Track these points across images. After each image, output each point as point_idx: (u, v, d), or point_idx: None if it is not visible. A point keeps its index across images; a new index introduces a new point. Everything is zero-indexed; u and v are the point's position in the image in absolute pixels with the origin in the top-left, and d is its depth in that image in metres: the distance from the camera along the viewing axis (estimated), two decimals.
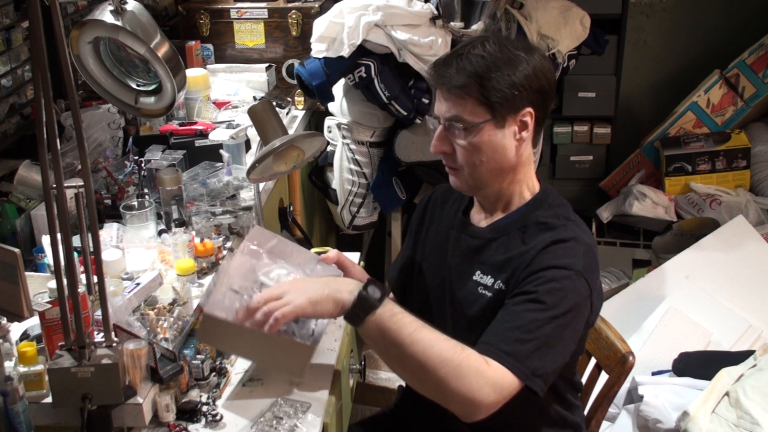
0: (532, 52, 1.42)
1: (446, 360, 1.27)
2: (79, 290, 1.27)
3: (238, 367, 1.53)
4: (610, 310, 1.60)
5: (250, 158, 2.31)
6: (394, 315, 1.29)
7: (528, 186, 1.49)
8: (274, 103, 2.16)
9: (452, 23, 2.59)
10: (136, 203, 1.95)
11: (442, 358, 1.27)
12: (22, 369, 1.36)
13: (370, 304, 1.29)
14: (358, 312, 1.30)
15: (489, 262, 1.46)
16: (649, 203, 3.37)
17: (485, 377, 1.27)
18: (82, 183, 1.26)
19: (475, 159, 1.41)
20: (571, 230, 1.41)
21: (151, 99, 1.85)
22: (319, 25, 2.49)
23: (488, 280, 1.45)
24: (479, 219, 1.54)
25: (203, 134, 2.35)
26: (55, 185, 1.22)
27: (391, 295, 1.31)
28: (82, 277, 1.41)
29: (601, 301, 1.48)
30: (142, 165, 2.14)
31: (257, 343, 1.40)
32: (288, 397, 1.42)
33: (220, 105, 2.68)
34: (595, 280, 1.41)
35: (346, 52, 2.43)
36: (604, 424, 2.29)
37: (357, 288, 1.31)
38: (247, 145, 2.38)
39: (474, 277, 1.47)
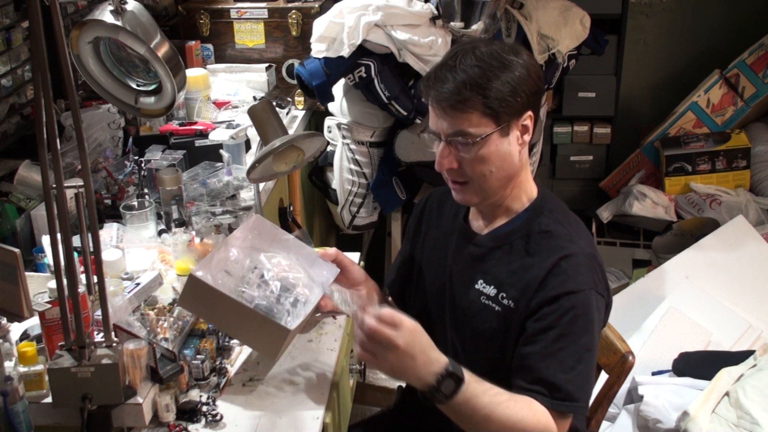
0: (520, 54, 1.39)
1: None
2: (79, 290, 1.27)
3: (238, 367, 1.53)
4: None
5: (250, 158, 2.31)
6: (467, 401, 1.28)
7: (526, 190, 1.48)
8: (274, 103, 2.16)
9: (452, 23, 2.58)
10: (136, 203, 1.96)
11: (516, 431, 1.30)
12: (22, 369, 1.36)
13: (440, 398, 1.27)
14: (429, 399, 1.29)
15: (492, 272, 1.45)
16: (649, 203, 3.37)
17: None
18: (82, 183, 1.26)
19: (485, 170, 1.39)
20: (574, 241, 1.41)
21: (151, 99, 1.85)
22: (319, 25, 2.49)
23: (491, 291, 1.44)
24: (479, 225, 1.52)
25: (203, 134, 2.35)
26: (55, 185, 1.22)
27: (467, 377, 1.29)
28: (82, 277, 1.41)
29: (611, 298, 1.49)
30: (142, 165, 2.14)
31: (237, 317, 1.42)
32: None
33: (220, 105, 2.68)
34: (605, 287, 1.42)
35: (346, 52, 2.43)
36: (604, 424, 2.29)
37: (434, 378, 1.27)
38: (247, 145, 2.38)
39: (476, 286, 1.46)
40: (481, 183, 1.41)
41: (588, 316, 1.36)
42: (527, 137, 1.41)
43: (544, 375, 1.34)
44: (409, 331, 1.25)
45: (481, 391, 1.29)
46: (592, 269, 1.39)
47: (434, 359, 1.27)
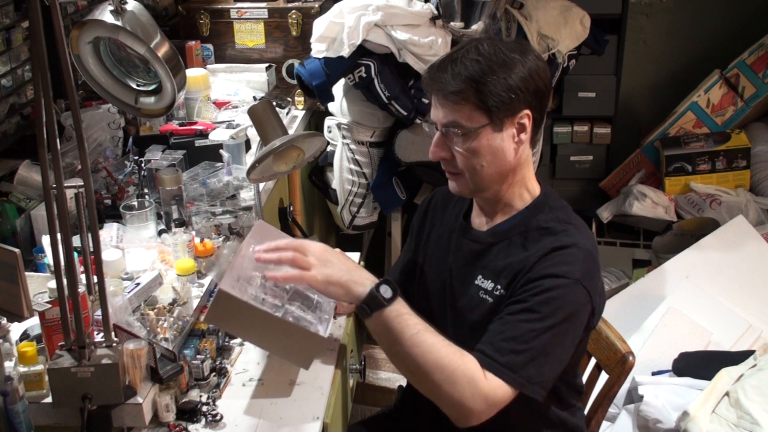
0: (527, 54, 1.41)
1: (442, 366, 1.31)
2: (79, 290, 1.27)
3: (238, 367, 1.53)
4: (610, 310, 1.59)
5: (250, 158, 2.31)
6: (400, 315, 1.34)
7: (528, 188, 1.49)
8: (274, 103, 2.16)
9: (452, 23, 2.59)
10: (136, 203, 1.95)
11: (438, 363, 1.31)
12: (22, 369, 1.36)
13: (379, 302, 1.34)
14: (366, 307, 1.35)
15: (490, 266, 1.46)
16: (649, 203, 3.37)
17: (479, 387, 1.30)
18: (82, 183, 1.26)
19: (475, 163, 1.41)
20: (572, 235, 1.40)
21: (151, 99, 1.85)
22: (319, 25, 2.49)
23: (488, 285, 1.44)
24: (480, 223, 1.53)
25: (203, 134, 2.35)
26: (55, 185, 1.22)
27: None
28: (82, 277, 1.41)
29: (604, 302, 1.48)
30: (142, 165, 2.14)
31: (269, 329, 1.40)
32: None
33: (220, 105, 2.68)
34: (595, 285, 1.40)
35: (346, 52, 2.43)
36: (604, 424, 2.29)
37: (371, 284, 1.36)
38: (247, 145, 2.38)
39: (476, 282, 1.47)
40: (471, 176, 1.43)
41: (565, 304, 1.34)
42: (525, 136, 1.42)
43: (494, 338, 1.34)
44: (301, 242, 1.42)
45: (412, 313, 1.36)
46: (585, 263, 1.38)
47: (363, 273, 1.40)
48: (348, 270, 1.39)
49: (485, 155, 1.40)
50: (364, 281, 1.37)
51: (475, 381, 1.31)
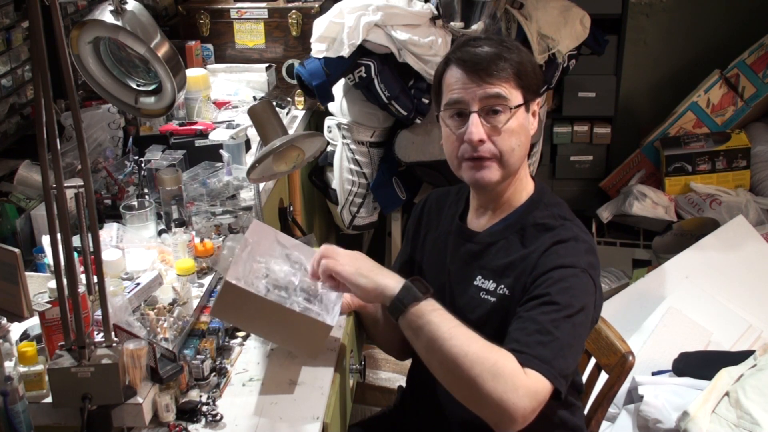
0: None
1: (482, 358, 1.24)
2: (79, 290, 1.27)
3: (238, 367, 1.53)
4: (610, 310, 1.59)
5: (250, 158, 2.31)
6: (435, 310, 1.31)
7: (525, 185, 1.49)
8: (274, 103, 2.16)
9: (452, 23, 2.59)
10: (136, 203, 1.95)
11: (479, 355, 1.24)
12: (22, 369, 1.36)
13: (414, 295, 1.32)
14: (400, 302, 1.32)
15: (489, 266, 1.46)
16: (649, 203, 3.37)
17: (521, 381, 1.24)
18: (82, 183, 1.26)
19: (514, 144, 1.41)
20: (570, 230, 1.41)
21: (151, 99, 1.85)
22: (319, 25, 2.49)
23: (490, 285, 1.44)
24: (476, 224, 1.53)
25: (203, 134, 2.35)
26: (55, 185, 1.22)
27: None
28: (82, 277, 1.41)
29: (602, 299, 1.48)
30: (142, 165, 2.14)
31: (275, 319, 1.40)
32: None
33: (220, 105, 2.68)
34: (598, 277, 1.41)
35: (346, 52, 2.43)
36: (604, 424, 2.29)
37: (403, 280, 1.35)
38: (247, 145, 2.38)
39: (475, 282, 1.46)
40: (508, 157, 1.42)
41: (576, 291, 1.34)
42: (535, 124, 1.46)
43: (518, 336, 1.31)
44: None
45: (445, 310, 1.32)
46: (587, 255, 1.38)
47: (393, 274, 1.38)
48: (380, 268, 1.40)
49: (520, 135, 1.42)
50: (395, 278, 1.36)
51: (516, 374, 1.24)
